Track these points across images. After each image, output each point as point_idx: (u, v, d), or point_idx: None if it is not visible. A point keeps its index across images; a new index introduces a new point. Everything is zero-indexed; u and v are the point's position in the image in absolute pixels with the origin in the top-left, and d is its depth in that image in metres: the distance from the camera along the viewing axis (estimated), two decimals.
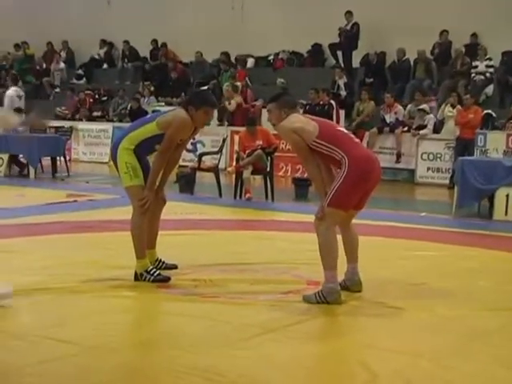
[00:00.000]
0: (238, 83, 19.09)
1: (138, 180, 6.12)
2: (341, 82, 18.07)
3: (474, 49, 17.58)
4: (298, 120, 5.76)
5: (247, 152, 12.12)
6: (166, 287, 6.01)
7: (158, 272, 6.17)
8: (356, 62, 19.33)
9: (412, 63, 18.27)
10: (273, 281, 6.26)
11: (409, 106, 16.51)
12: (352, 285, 5.94)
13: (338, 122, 16.18)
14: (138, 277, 6.12)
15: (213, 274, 6.50)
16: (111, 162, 6.57)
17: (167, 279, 6.12)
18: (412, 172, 15.81)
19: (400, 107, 16.34)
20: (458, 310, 5.50)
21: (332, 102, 16.27)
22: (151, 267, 6.19)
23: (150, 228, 6.31)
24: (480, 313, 5.48)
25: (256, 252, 7.53)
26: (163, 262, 6.48)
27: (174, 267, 6.50)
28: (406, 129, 16.02)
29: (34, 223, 8.89)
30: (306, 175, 15.73)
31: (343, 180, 5.50)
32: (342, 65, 19.17)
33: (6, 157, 15.16)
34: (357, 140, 5.84)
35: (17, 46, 25.10)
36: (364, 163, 5.58)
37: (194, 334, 4.81)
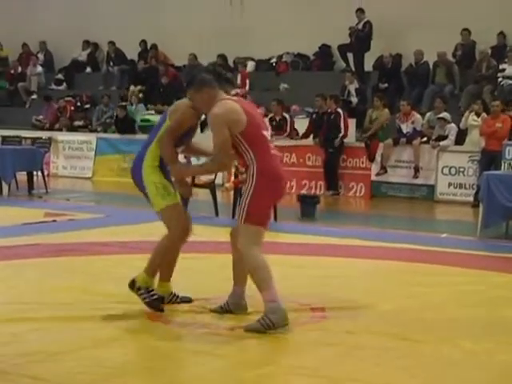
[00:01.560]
0: (237, 90, 19.13)
1: (171, 198, 6.13)
2: (351, 88, 18.11)
3: (501, 50, 17.62)
4: (233, 109, 5.78)
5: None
6: (156, 316, 6.01)
7: (156, 297, 6.15)
8: (368, 66, 19.38)
9: (431, 66, 18.30)
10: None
11: (428, 114, 16.53)
12: (236, 309, 6.06)
13: (346, 131, 16.26)
14: (133, 286, 6.13)
15: (208, 302, 6.50)
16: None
17: (160, 310, 6.12)
18: (432, 188, 15.81)
19: (418, 116, 16.35)
20: (484, 344, 5.49)
21: (339, 110, 16.31)
22: (155, 291, 6.17)
23: (172, 259, 6.32)
24: (509, 347, 5.47)
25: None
26: (177, 297, 6.46)
27: (189, 300, 6.47)
28: (424, 140, 16.03)
29: (7, 246, 8.89)
30: (312, 192, 15.86)
31: (253, 192, 5.67)
32: (353, 68, 19.22)
33: None
34: (274, 151, 5.91)
35: None
36: (272, 174, 5.75)
37: (188, 370, 4.81)
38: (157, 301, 6.15)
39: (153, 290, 6.18)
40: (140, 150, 6.32)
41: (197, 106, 6.07)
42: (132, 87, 21.10)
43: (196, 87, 5.97)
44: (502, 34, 17.89)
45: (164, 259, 6.18)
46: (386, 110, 16.66)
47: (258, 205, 5.68)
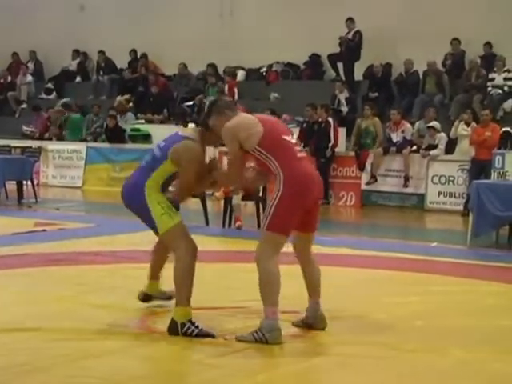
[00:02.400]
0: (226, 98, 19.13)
1: (179, 216, 6.08)
2: (342, 97, 18.14)
3: (489, 60, 17.66)
4: (245, 126, 5.77)
5: None
6: (149, 326, 5.98)
7: (201, 326, 5.79)
8: (359, 75, 19.41)
9: (421, 76, 18.35)
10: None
11: (418, 123, 16.57)
12: (315, 322, 5.99)
13: (336, 140, 16.26)
14: (177, 328, 5.75)
15: (199, 312, 6.48)
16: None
17: (212, 335, 5.74)
18: (422, 197, 15.84)
19: (408, 125, 16.39)
20: (475, 353, 5.48)
21: (329, 119, 16.34)
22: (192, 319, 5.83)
23: (161, 258, 6.47)
24: (501, 356, 5.46)
25: (248, 287, 7.49)
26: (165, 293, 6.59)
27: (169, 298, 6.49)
28: (414, 149, 16.05)
29: None
30: None
31: (279, 201, 5.60)
32: (343, 78, 19.25)
33: None
34: (301, 154, 5.81)
35: None
36: (299, 181, 5.63)
37: (183, 380, 4.79)
38: (204, 330, 5.77)
39: (194, 322, 5.80)
40: (134, 178, 6.24)
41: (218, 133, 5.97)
42: (118, 97, 21.06)
43: (217, 111, 5.96)
44: (488, 44, 17.93)
45: (185, 282, 5.84)
46: (377, 119, 16.68)
47: (282, 213, 5.61)
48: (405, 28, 18.93)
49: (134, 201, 6.07)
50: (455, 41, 18.15)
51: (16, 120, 22.77)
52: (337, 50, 19.42)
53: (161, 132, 19.50)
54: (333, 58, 19.72)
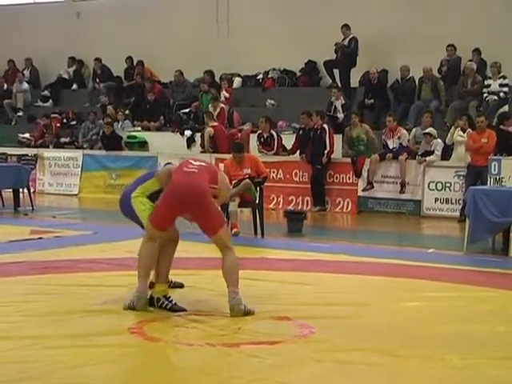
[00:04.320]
0: (221, 104, 19.15)
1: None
2: (338, 104, 18.15)
3: (480, 67, 17.68)
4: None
5: (234, 182, 12.14)
6: (143, 334, 5.99)
7: (174, 301, 6.82)
8: (355, 81, 19.44)
9: (417, 82, 18.38)
10: (260, 328, 6.24)
11: (414, 129, 16.60)
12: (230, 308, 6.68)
13: (332, 147, 16.27)
14: (154, 302, 6.77)
15: (195, 319, 6.51)
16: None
17: (184, 309, 6.73)
18: (418, 203, 15.84)
19: (404, 131, 16.40)
20: (471, 359, 5.50)
21: (325, 125, 16.35)
22: (169, 295, 6.87)
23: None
24: (497, 361, 5.48)
25: (243, 294, 7.51)
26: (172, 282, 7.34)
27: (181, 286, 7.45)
28: (410, 155, 16.07)
29: None
30: (299, 208, 15.87)
31: (160, 200, 6.80)
32: (339, 84, 19.28)
33: None
34: (187, 169, 6.85)
35: None
36: (175, 187, 6.72)
37: None
38: (176, 305, 6.79)
39: (169, 297, 6.85)
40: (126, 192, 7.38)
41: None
42: (109, 108, 21.07)
43: None
44: (477, 51, 17.96)
45: (165, 263, 6.98)
46: (365, 126, 16.68)
47: (158, 209, 6.86)
48: (401, 34, 18.99)
49: (125, 204, 7.27)
50: (450, 47, 18.19)
51: (12, 128, 22.77)
52: (333, 56, 19.45)
53: (157, 139, 19.60)
54: (329, 65, 19.74)
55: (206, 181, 6.79)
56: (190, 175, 6.79)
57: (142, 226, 7.06)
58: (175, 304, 6.80)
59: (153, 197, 7.11)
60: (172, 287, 7.33)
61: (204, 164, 7.05)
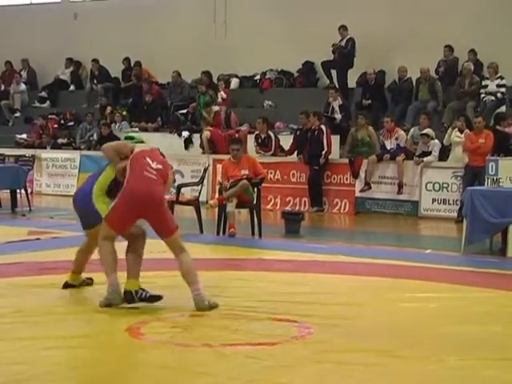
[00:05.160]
0: (217, 107, 19.15)
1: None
2: (335, 104, 18.14)
3: (477, 67, 17.68)
4: None
5: (231, 182, 12.14)
6: (140, 334, 5.99)
7: (149, 291, 6.93)
8: (352, 82, 19.45)
9: (414, 83, 18.39)
10: (258, 329, 6.24)
11: (411, 130, 16.60)
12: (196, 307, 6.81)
13: (329, 148, 16.27)
14: (132, 295, 6.83)
15: (192, 319, 6.51)
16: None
17: (160, 297, 6.90)
18: (416, 204, 15.84)
19: (401, 132, 16.41)
20: (469, 360, 5.49)
21: (322, 126, 16.35)
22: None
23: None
24: (494, 362, 5.47)
25: (240, 295, 7.52)
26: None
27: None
28: (408, 156, 16.06)
29: None
30: (297, 209, 15.87)
31: (118, 200, 6.93)
32: (337, 85, 19.28)
33: None
34: (147, 174, 6.96)
35: None
36: (133, 194, 6.87)
37: None
38: (153, 293, 6.92)
39: (144, 288, 6.94)
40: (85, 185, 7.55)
41: None
42: (108, 108, 21.05)
43: None
44: (472, 52, 17.96)
45: (137, 260, 7.08)
46: (371, 128, 16.70)
47: (115, 209, 6.98)
48: (398, 35, 19.01)
49: (85, 199, 7.35)
50: (447, 48, 18.20)
51: (9, 128, 22.76)
52: (330, 57, 19.46)
53: (155, 140, 19.55)
54: (326, 66, 19.75)
55: (162, 187, 7.10)
56: (148, 182, 6.93)
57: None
58: (151, 292, 6.95)
59: (112, 190, 7.23)
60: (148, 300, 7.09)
61: (161, 167, 7.12)
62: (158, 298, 6.91)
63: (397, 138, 16.22)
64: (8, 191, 15.49)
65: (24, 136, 21.57)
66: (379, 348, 5.71)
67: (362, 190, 16.16)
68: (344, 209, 16.32)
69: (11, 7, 25.44)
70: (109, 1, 24.02)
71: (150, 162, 7.07)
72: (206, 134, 18.45)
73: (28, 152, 20.03)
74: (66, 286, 7.62)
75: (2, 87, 24.42)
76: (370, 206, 16.18)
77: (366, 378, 5.10)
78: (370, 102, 18.41)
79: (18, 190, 15.52)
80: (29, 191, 16.33)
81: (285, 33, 20.59)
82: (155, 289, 7.24)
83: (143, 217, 6.98)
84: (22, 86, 24.08)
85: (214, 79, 21.04)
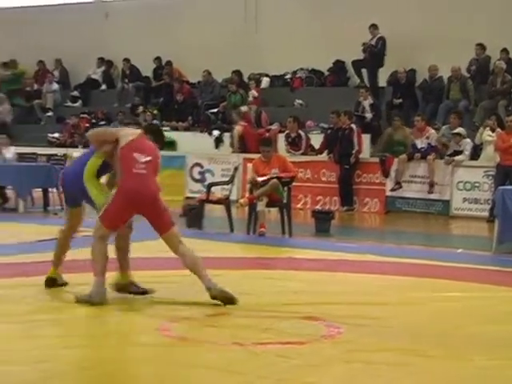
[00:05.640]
0: (245, 107, 19.20)
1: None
2: (366, 103, 18.12)
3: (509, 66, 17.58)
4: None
5: (261, 181, 12.16)
6: (170, 333, 6.02)
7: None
8: (383, 81, 19.40)
9: (446, 82, 18.30)
10: (287, 328, 6.26)
11: (443, 128, 16.52)
12: (223, 299, 6.91)
13: (360, 147, 16.26)
14: (122, 286, 7.20)
15: (222, 318, 6.54)
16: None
17: (147, 292, 7.17)
18: (447, 203, 15.78)
19: (432, 131, 16.34)
20: (496, 360, 5.48)
21: (353, 125, 16.33)
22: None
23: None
24: None
25: (270, 294, 7.54)
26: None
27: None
28: (439, 155, 16.00)
29: (22, 262, 8.92)
30: (327, 208, 15.86)
31: (111, 202, 6.95)
32: (367, 84, 19.25)
33: None
34: (136, 171, 6.97)
35: (5, 65, 25.36)
36: (126, 193, 6.92)
37: None
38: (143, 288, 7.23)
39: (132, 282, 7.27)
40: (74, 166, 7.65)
41: None
42: (141, 108, 21.15)
43: None
44: (505, 51, 17.84)
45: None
46: (407, 130, 16.62)
47: (110, 210, 7.00)
48: (429, 34, 18.91)
49: (76, 183, 7.28)
50: (479, 46, 18.09)
51: (42, 128, 22.93)
52: (361, 56, 19.42)
53: (185, 139, 19.66)
54: (357, 65, 19.72)
55: (155, 180, 7.13)
56: (139, 178, 6.98)
57: (94, 206, 7.28)
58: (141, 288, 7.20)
59: (101, 172, 7.34)
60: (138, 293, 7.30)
61: (150, 158, 7.09)
62: (146, 291, 7.16)
63: (428, 137, 16.15)
64: (40, 190, 15.61)
65: (56, 135, 21.74)
66: (407, 347, 5.71)
67: (392, 189, 16.11)
68: (374, 208, 16.29)
69: (44, 7, 25.62)
70: (140, 0, 24.14)
71: (137, 157, 7.04)
72: (238, 129, 18.50)
73: (60, 151, 20.13)
74: (49, 282, 7.60)
75: (35, 87, 24.62)
76: (400, 205, 16.13)
77: (394, 377, 5.11)
78: (400, 100, 18.34)
79: (49, 189, 15.62)
80: (61, 190, 16.39)
81: (315, 32, 20.56)
82: (181, 288, 7.32)
83: (140, 213, 7.05)
84: (55, 86, 24.27)
85: (245, 78, 21.08)
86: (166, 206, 7.15)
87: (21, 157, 17.80)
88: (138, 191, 6.94)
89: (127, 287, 7.27)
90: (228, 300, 6.91)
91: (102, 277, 6.91)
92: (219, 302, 6.90)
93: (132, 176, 6.98)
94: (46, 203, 15.44)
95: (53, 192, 15.57)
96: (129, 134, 7.24)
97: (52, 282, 7.57)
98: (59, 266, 7.67)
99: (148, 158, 7.08)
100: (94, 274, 6.93)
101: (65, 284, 7.64)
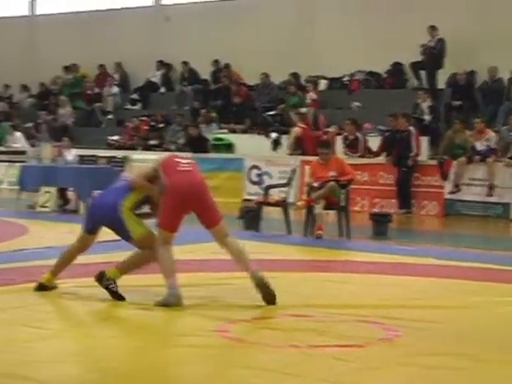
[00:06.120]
0: (304, 109, 19.20)
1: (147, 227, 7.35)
2: (424, 106, 17.98)
3: None
4: None
5: (319, 183, 12.12)
6: (228, 335, 6.03)
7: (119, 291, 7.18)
8: (441, 83, 19.23)
9: (506, 83, 18.06)
10: (345, 330, 6.22)
11: (503, 130, 16.30)
12: (262, 291, 6.93)
13: (418, 149, 16.12)
14: (103, 278, 7.18)
15: (278, 320, 6.53)
16: None
17: (123, 298, 7.14)
18: (507, 206, 15.56)
19: (492, 133, 16.15)
20: None
21: (411, 128, 16.21)
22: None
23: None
24: None
25: (327, 297, 7.51)
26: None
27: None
28: (499, 157, 15.78)
29: (82, 263, 8.99)
30: (385, 210, 15.75)
31: (163, 202, 7.07)
32: (426, 86, 19.08)
33: (53, 190, 15.42)
34: (182, 168, 7.16)
35: (66, 69, 25.72)
36: (178, 188, 7.01)
37: None
38: (119, 292, 7.13)
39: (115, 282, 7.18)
40: (108, 195, 7.63)
41: None
42: (203, 111, 21.27)
43: None
44: None
45: (138, 267, 7.37)
46: (467, 133, 16.43)
47: (165, 214, 7.13)
48: (488, 35, 18.70)
49: (114, 211, 7.30)
50: None
51: (102, 130, 23.21)
52: (419, 57, 19.27)
53: (243, 141, 19.71)
54: (415, 66, 19.59)
55: (200, 174, 7.33)
56: (187, 174, 7.15)
57: (127, 238, 7.32)
58: (118, 290, 7.16)
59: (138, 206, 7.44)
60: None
61: (191, 161, 7.40)
62: (121, 297, 7.11)
63: (487, 139, 15.96)
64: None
65: (116, 138, 21.97)
66: (467, 352, 5.63)
67: (451, 192, 15.94)
68: (432, 211, 16.14)
69: (105, 11, 25.95)
70: (198, 4, 24.31)
71: (179, 159, 7.32)
72: (296, 130, 18.49)
73: (119, 153, 20.37)
74: (40, 287, 7.53)
75: (96, 90, 24.92)
76: (459, 208, 15.95)
77: (452, 382, 5.04)
78: (459, 102, 18.15)
79: None
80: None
81: (373, 34, 20.46)
82: (238, 290, 7.35)
83: (191, 208, 7.08)
84: (115, 89, 24.55)
85: (302, 81, 21.06)
86: (213, 199, 7.24)
87: (81, 159, 18.07)
88: (188, 183, 7.05)
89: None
90: (267, 295, 6.93)
91: (173, 278, 6.94)
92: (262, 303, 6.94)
93: (179, 172, 7.12)
94: None
95: None
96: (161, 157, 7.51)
97: (43, 288, 7.51)
98: (57, 275, 7.62)
99: (189, 161, 7.36)
100: (166, 276, 6.97)
101: (55, 287, 7.60)
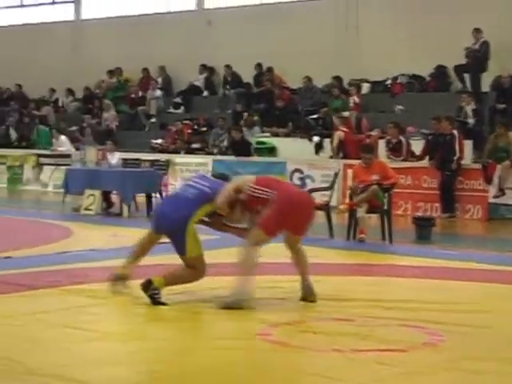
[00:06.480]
0: (346, 113, 19.17)
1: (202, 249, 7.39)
2: (468, 109, 17.84)
3: None
4: None
5: (361, 187, 12.09)
6: (271, 338, 6.04)
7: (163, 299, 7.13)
8: (486, 86, 19.07)
9: None
10: (388, 335, 6.20)
11: None
12: (306, 295, 7.30)
13: (462, 153, 15.98)
14: (149, 287, 7.11)
15: (321, 324, 6.52)
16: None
17: (165, 304, 7.10)
18: None
19: None
20: None
21: (454, 131, 16.08)
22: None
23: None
24: None
25: (370, 301, 7.49)
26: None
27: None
28: None
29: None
30: (428, 214, 15.64)
31: (272, 208, 7.01)
32: (470, 89, 18.94)
33: (97, 193, 15.56)
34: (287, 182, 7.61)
35: (110, 73, 25.94)
36: (295, 198, 7.18)
37: None
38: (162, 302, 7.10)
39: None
40: (179, 205, 7.40)
41: None
42: (245, 114, 21.32)
43: None
44: None
45: (180, 284, 7.38)
46: (511, 135, 16.27)
47: (272, 217, 7.12)
48: None
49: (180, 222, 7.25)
50: None
51: (145, 134, 23.35)
52: (463, 60, 19.13)
53: (286, 145, 19.71)
54: (459, 69, 19.45)
55: None
56: (296, 187, 7.62)
57: (181, 253, 7.28)
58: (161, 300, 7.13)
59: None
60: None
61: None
62: (162, 304, 7.09)
63: None
64: (144, 195, 15.84)
65: (159, 141, 22.09)
66: (505, 355, 5.59)
67: (495, 196, 15.79)
68: (477, 215, 15.99)
69: (148, 16, 26.14)
70: (240, 8, 24.36)
71: (273, 177, 7.64)
72: (340, 134, 18.47)
73: (163, 157, 20.47)
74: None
75: (140, 94, 25.09)
76: (503, 212, 15.79)
77: None
78: (504, 106, 17.98)
79: (153, 194, 15.85)
80: (163, 195, 16.64)
81: (416, 37, 20.37)
82: (285, 293, 7.35)
83: (299, 218, 7.18)
84: (158, 92, 24.70)
85: (345, 84, 21.01)
86: None
87: (125, 162, 18.18)
88: (304, 194, 7.56)
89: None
90: (308, 296, 7.31)
91: (248, 281, 7.00)
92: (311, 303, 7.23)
93: (289, 184, 7.63)
94: (150, 208, 15.61)
95: (156, 197, 15.80)
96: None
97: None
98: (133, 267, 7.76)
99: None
100: (244, 277, 7.00)
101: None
